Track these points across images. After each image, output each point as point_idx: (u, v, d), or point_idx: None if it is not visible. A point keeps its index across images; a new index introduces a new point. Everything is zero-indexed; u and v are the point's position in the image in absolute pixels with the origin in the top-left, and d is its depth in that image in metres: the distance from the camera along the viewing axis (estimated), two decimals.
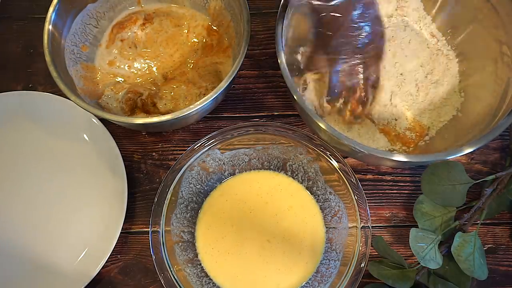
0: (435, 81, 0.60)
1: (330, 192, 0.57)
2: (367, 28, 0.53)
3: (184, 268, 0.54)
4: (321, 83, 0.58)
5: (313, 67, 0.57)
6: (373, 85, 0.57)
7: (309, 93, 0.59)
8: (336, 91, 0.56)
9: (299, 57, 0.58)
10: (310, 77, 0.59)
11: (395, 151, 0.58)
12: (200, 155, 0.56)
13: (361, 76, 0.55)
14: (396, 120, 0.59)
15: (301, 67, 0.58)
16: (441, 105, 0.59)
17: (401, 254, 0.55)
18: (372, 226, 0.56)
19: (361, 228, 0.53)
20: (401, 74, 0.59)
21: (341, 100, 0.56)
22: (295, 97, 0.51)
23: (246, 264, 0.56)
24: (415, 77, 0.60)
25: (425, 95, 0.60)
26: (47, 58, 0.54)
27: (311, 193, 0.59)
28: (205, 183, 0.58)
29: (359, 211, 0.53)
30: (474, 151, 0.48)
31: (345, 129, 0.59)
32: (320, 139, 0.55)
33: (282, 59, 0.52)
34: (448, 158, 0.50)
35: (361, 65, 0.55)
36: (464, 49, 0.60)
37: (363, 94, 0.56)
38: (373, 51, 0.55)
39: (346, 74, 0.55)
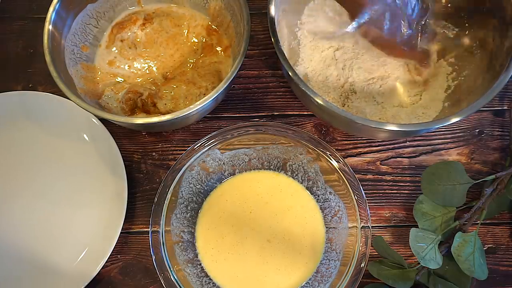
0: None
1: (330, 192, 0.57)
2: None
3: (184, 268, 0.54)
4: None
5: None
6: None
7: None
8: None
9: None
10: None
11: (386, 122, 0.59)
12: (200, 155, 0.56)
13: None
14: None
15: None
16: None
17: (401, 254, 0.56)
18: (372, 226, 0.56)
19: (361, 228, 0.53)
20: None
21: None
22: (290, 73, 0.51)
23: (246, 264, 0.56)
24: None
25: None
26: (47, 58, 0.53)
27: (311, 193, 0.59)
28: (205, 183, 0.58)
29: (359, 211, 0.53)
30: (460, 120, 0.50)
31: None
32: (319, 139, 0.55)
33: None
34: (437, 126, 0.54)
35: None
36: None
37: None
38: None
39: None
